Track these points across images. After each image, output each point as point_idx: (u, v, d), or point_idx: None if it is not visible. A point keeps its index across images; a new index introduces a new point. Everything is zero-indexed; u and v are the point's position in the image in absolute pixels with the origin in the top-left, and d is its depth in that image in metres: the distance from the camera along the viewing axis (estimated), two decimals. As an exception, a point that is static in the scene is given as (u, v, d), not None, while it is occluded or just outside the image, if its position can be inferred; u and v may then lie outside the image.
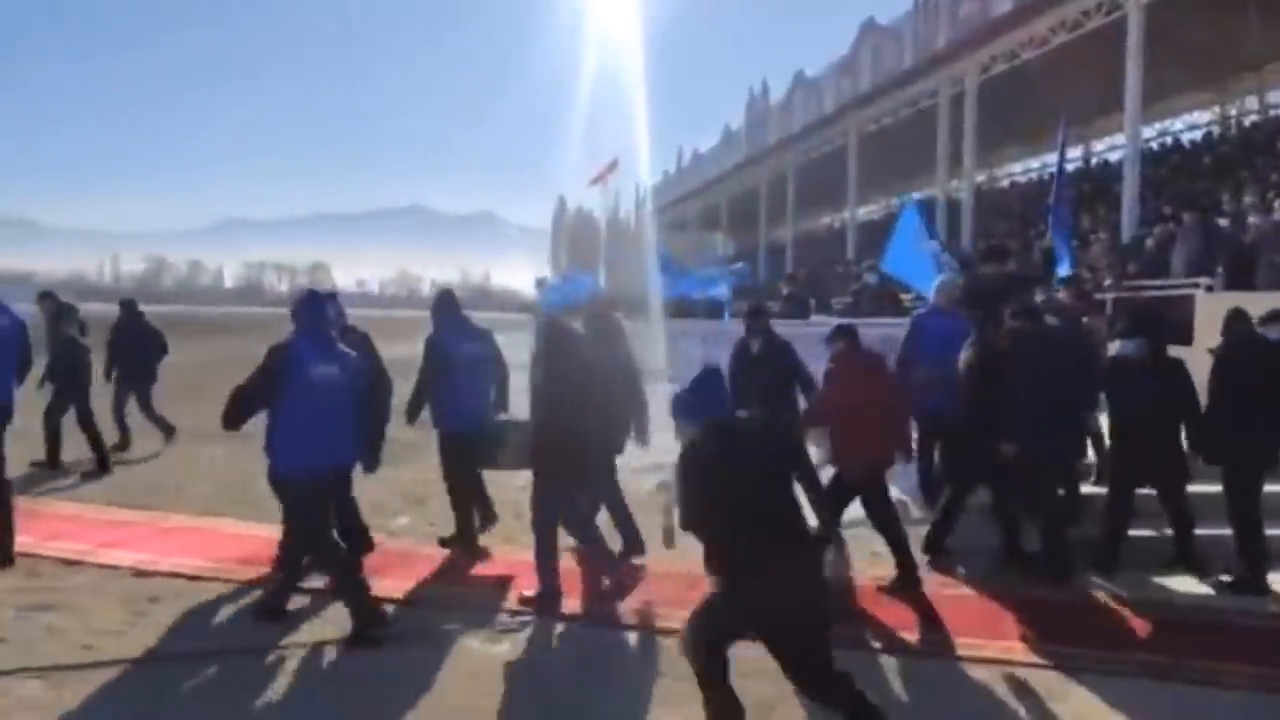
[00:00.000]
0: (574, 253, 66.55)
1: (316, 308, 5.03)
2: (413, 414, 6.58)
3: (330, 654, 4.55)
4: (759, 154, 31.68)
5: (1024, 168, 29.53)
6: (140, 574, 5.68)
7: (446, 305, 6.61)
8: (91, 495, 7.88)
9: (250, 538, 6.52)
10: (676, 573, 5.56)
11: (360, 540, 5.99)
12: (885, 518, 5.74)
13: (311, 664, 4.43)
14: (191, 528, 6.87)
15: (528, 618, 5.11)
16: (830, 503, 4.75)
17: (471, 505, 6.44)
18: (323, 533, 4.91)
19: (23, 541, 6.06)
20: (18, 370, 6.46)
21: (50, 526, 6.70)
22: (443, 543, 6.47)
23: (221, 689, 4.14)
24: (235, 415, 4.80)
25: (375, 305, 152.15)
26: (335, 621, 4.88)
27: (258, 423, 4.84)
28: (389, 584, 5.54)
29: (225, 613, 5.12)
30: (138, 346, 10.41)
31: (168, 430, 10.49)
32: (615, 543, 6.11)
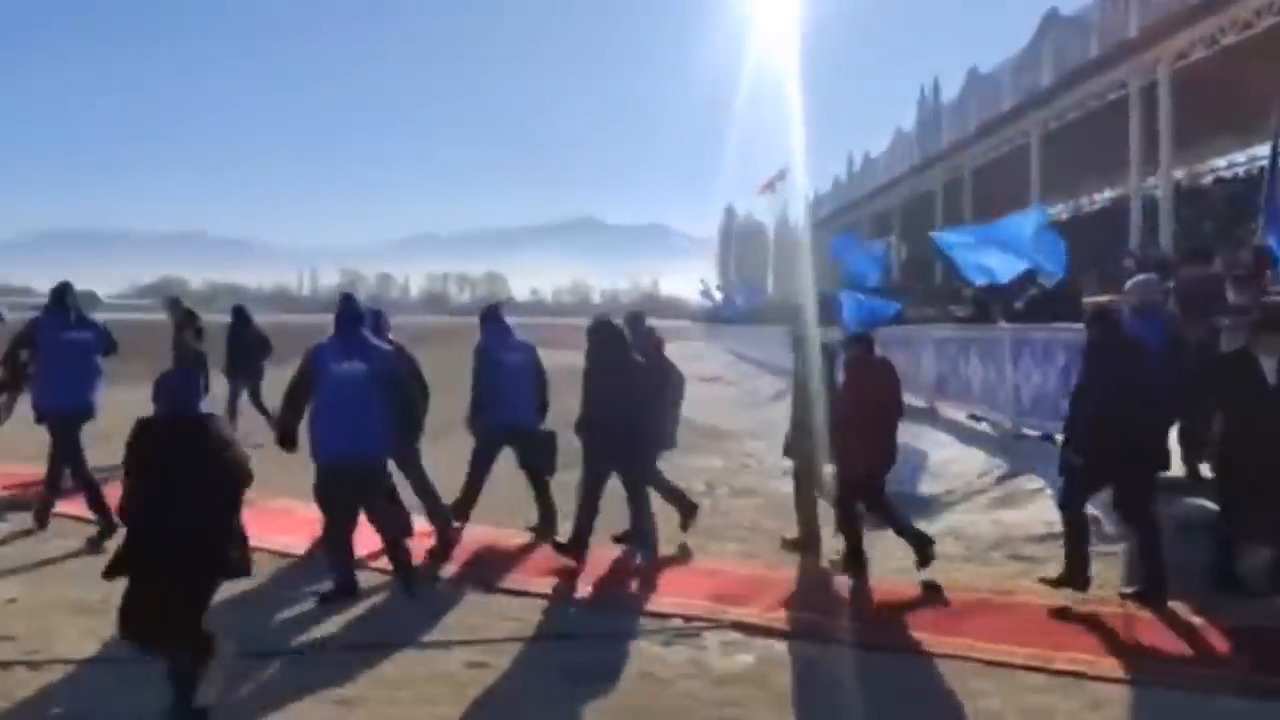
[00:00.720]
0: (742, 262, 66.43)
1: (348, 315, 5.64)
2: (473, 418, 7.07)
3: (514, 650, 4.80)
4: (932, 157, 30.64)
5: (1229, 162, 27.21)
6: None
7: (495, 316, 7.31)
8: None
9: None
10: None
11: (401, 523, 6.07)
12: (888, 517, 6.11)
13: (481, 661, 4.68)
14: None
15: (701, 623, 5.21)
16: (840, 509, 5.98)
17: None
18: (342, 519, 5.49)
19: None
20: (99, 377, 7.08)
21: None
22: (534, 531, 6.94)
23: (408, 682, 4.44)
24: (286, 415, 5.48)
25: (547, 314, 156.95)
26: (504, 615, 5.15)
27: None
28: (542, 581, 5.86)
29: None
30: (247, 348, 11.55)
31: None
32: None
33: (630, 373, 6.36)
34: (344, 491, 5.48)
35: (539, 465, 6.99)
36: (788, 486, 7.13)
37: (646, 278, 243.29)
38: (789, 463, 7.05)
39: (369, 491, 5.65)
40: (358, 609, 5.38)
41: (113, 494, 7.51)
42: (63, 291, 7.11)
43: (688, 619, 5.28)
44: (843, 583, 6.00)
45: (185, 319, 10.46)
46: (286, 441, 5.55)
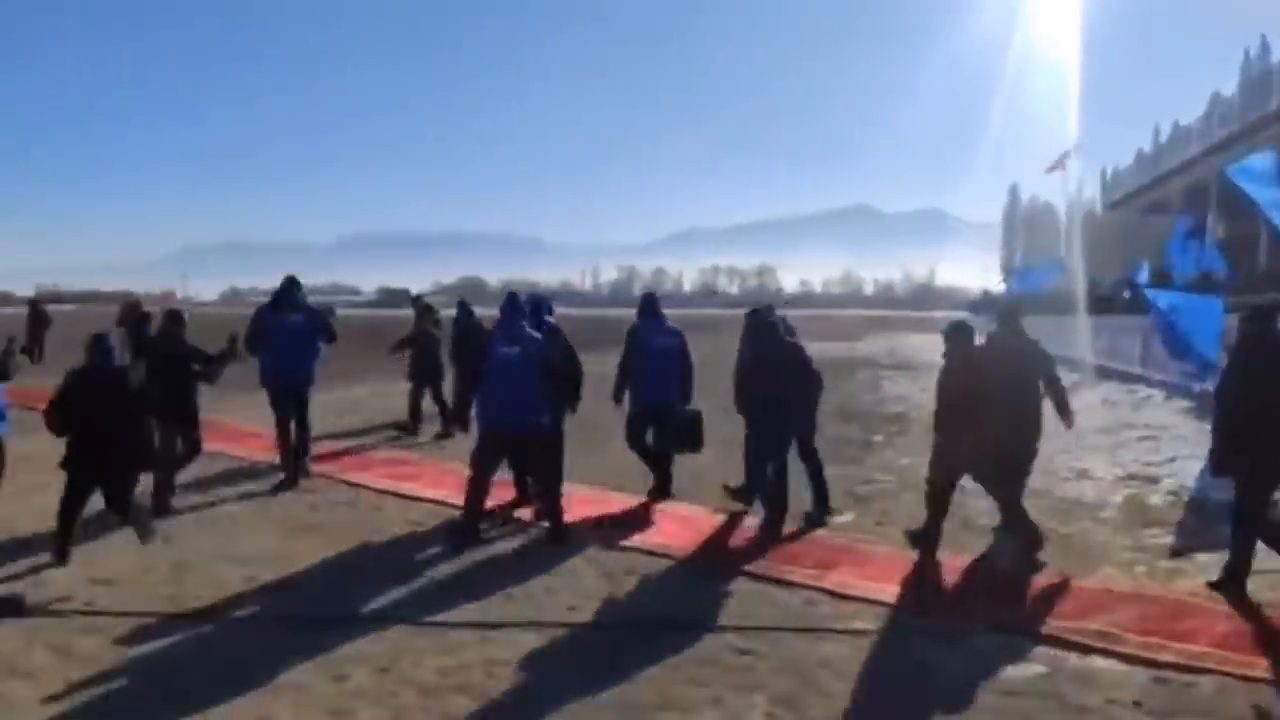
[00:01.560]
0: (1030, 245, 61.96)
1: (510, 306, 6.74)
2: (618, 394, 7.94)
3: (779, 639, 4.79)
4: (1259, 121, 26.96)
5: None
6: (619, 549, 6.43)
7: (649, 305, 8.18)
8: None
9: (703, 522, 7.09)
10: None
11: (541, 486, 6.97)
12: (999, 498, 6.36)
13: (758, 645, 4.70)
14: (666, 511, 7.55)
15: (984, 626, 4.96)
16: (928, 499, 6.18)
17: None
18: (483, 475, 6.53)
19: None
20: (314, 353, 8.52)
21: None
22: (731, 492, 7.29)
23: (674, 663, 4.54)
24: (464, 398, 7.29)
25: (818, 305, 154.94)
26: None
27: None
28: (837, 577, 5.75)
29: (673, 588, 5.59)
30: (470, 339, 12.01)
31: None
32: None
33: (779, 356, 7.09)
34: (494, 454, 6.64)
35: (674, 442, 7.79)
36: (1078, 490, 6.61)
37: (921, 267, 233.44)
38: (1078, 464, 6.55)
39: (522, 455, 6.86)
40: (623, 587, 5.59)
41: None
42: (289, 284, 8.63)
43: (966, 621, 5.03)
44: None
45: (425, 311, 12.05)
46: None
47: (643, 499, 7.77)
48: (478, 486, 6.57)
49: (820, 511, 7.15)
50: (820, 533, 6.85)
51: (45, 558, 5.87)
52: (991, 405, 5.93)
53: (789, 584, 5.65)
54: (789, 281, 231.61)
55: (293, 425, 8.42)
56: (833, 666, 4.44)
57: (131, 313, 8.75)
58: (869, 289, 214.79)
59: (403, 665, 4.37)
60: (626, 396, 7.95)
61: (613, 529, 6.87)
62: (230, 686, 4.10)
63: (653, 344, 7.93)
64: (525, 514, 7.23)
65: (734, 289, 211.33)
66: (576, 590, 5.52)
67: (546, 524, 6.68)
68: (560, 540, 6.46)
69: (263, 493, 8.07)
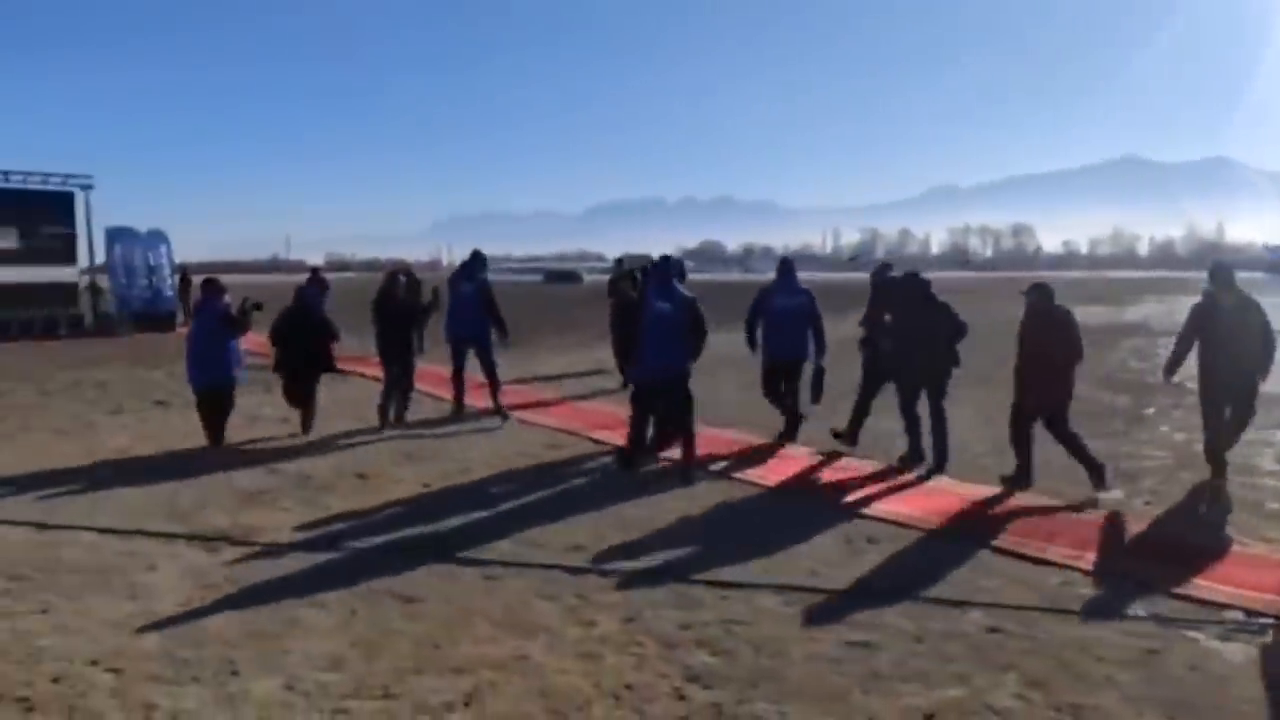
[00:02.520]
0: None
1: (660, 267, 7.82)
2: (750, 344, 9.05)
3: (1031, 619, 4.53)
4: None
5: None
6: (859, 516, 6.32)
7: (782, 268, 9.09)
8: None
9: (949, 494, 6.82)
10: None
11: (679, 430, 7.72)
12: (1063, 437, 7.01)
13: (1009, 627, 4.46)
14: (905, 480, 7.38)
15: (1266, 620, 4.47)
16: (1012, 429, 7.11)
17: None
18: (643, 415, 7.68)
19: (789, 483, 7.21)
20: (498, 326, 10.29)
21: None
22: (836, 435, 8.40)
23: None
24: (621, 349, 8.74)
25: (1080, 267, 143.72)
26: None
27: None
28: (1095, 557, 5.40)
29: (926, 561, 5.41)
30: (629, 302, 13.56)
31: None
32: None
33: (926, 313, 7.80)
34: (648, 395, 7.64)
35: (811, 394, 8.80)
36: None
37: (1208, 222, 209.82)
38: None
39: (669, 396, 7.57)
40: (865, 555, 5.48)
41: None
42: (471, 258, 10.56)
43: (1247, 611, 4.55)
44: None
45: (623, 275, 12.53)
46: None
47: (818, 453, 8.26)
48: (638, 424, 7.72)
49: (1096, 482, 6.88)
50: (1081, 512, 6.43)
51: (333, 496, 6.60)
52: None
53: (1044, 562, 5.33)
54: (1050, 241, 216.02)
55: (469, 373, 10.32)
56: (1090, 650, 4.14)
57: (392, 280, 10.54)
58: (1143, 248, 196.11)
59: (645, 617, 4.53)
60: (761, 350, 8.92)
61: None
62: (486, 626, 4.41)
63: (778, 304, 8.84)
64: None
65: (987, 251, 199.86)
66: (817, 555, 5.47)
67: (680, 456, 7.52)
68: (691, 470, 7.37)
69: (467, 430, 9.58)
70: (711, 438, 8.41)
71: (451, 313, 10.30)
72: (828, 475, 7.55)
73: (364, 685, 3.80)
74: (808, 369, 8.83)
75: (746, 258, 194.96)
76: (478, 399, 10.53)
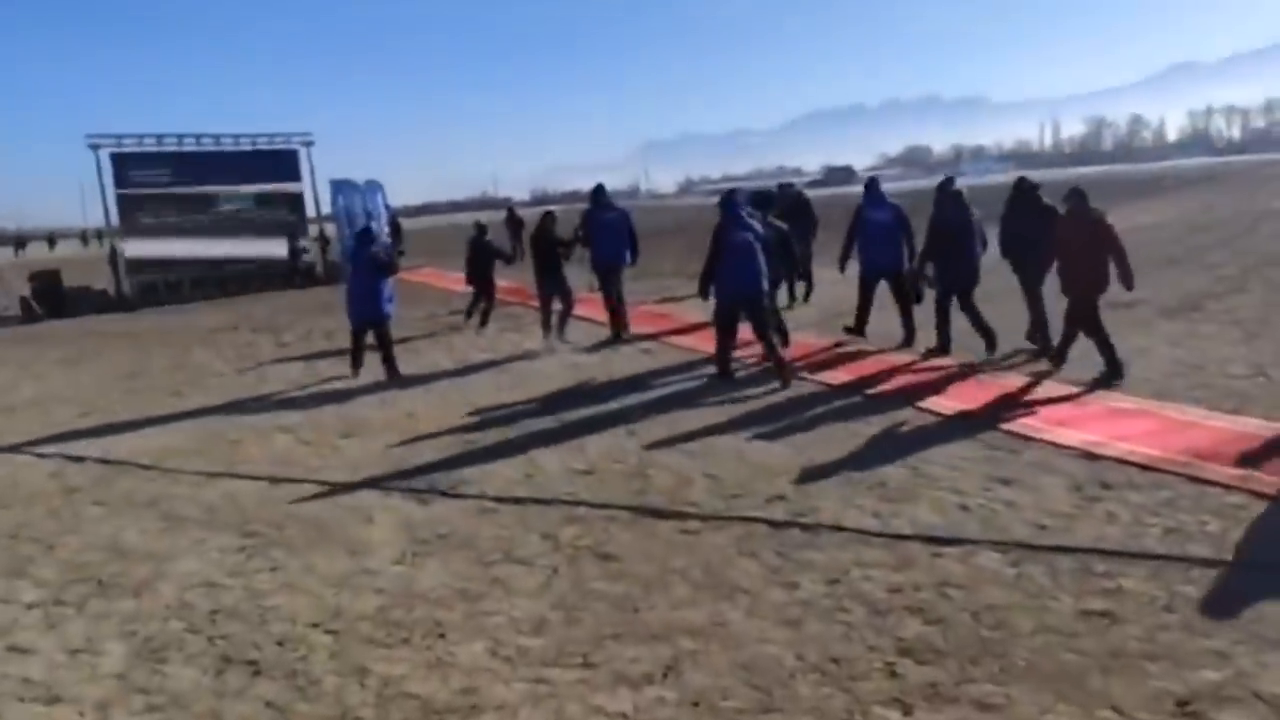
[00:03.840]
0: None
1: (732, 203, 8.64)
2: (842, 260, 10.31)
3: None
4: None
5: None
6: (1090, 456, 5.70)
7: (869, 187, 10.12)
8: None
9: (1200, 427, 6.04)
10: None
11: (783, 337, 9.27)
12: (1089, 328, 7.65)
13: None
14: (1141, 410, 6.62)
15: None
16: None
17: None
18: (727, 331, 8.60)
19: (978, 412, 6.70)
20: (631, 249, 11.27)
21: (1003, 399, 7.21)
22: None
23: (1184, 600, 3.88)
24: (706, 273, 8.58)
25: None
26: None
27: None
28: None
29: (1180, 513, 4.79)
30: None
31: None
32: None
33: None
34: (730, 315, 8.58)
35: (907, 297, 9.46)
36: None
37: None
38: None
39: (753, 313, 8.47)
40: (1100, 505, 4.90)
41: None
42: (598, 190, 11.73)
43: None
44: None
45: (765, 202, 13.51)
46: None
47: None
48: (724, 337, 8.65)
49: None
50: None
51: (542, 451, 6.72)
52: None
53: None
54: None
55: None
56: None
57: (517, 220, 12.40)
58: None
59: (852, 578, 4.26)
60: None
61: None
62: (685, 587, 4.29)
63: (874, 219, 9.61)
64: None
65: (1234, 131, 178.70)
66: (1043, 505, 4.98)
67: (771, 364, 8.47)
68: (786, 378, 8.22)
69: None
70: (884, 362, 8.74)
71: (597, 241, 11.33)
72: (1016, 400, 6.94)
73: (564, 652, 3.77)
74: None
75: (956, 161, 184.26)
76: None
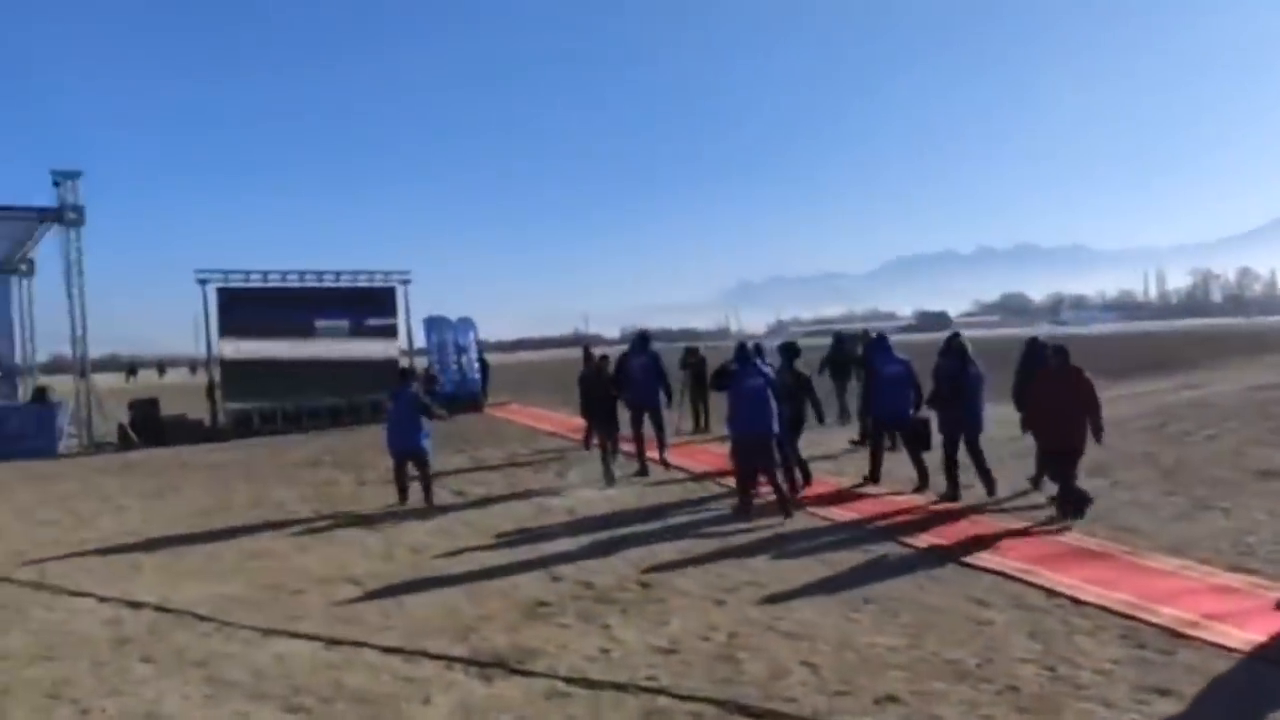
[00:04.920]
0: None
1: (747, 352, 9.50)
2: (864, 413, 12.48)
3: None
4: None
5: None
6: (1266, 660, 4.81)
7: (877, 343, 11.17)
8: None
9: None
10: None
11: (803, 473, 10.32)
12: (1061, 477, 8.34)
13: None
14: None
15: None
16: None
17: None
18: (747, 471, 9.32)
19: (1125, 600, 5.86)
20: (664, 392, 12.69)
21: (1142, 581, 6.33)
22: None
23: None
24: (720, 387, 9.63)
25: None
26: None
27: None
28: None
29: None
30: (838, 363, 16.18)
31: None
32: None
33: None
34: (746, 452, 9.32)
35: (916, 444, 10.07)
36: None
37: None
38: None
39: (761, 454, 9.25)
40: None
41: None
42: (643, 335, 13.19)
43: None
44: None
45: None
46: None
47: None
48: (744, 474, 9.38)
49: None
50: None
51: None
52: None
53: None
54: None
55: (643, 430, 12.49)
56: None
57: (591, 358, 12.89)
58: None
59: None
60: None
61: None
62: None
63: (885, 372, 10.39)
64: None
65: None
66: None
67: (774, 497, 9.19)
68: (789, 511, 8.99)
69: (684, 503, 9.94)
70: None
71: (632, 384, 12.32)
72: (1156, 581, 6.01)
73: None
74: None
75: (1057, 307, 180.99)
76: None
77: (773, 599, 6.38)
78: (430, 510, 10.37)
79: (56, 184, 20.50)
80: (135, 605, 7.00)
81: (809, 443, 12.41)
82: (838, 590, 6.55)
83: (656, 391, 12.41)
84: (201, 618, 6.58)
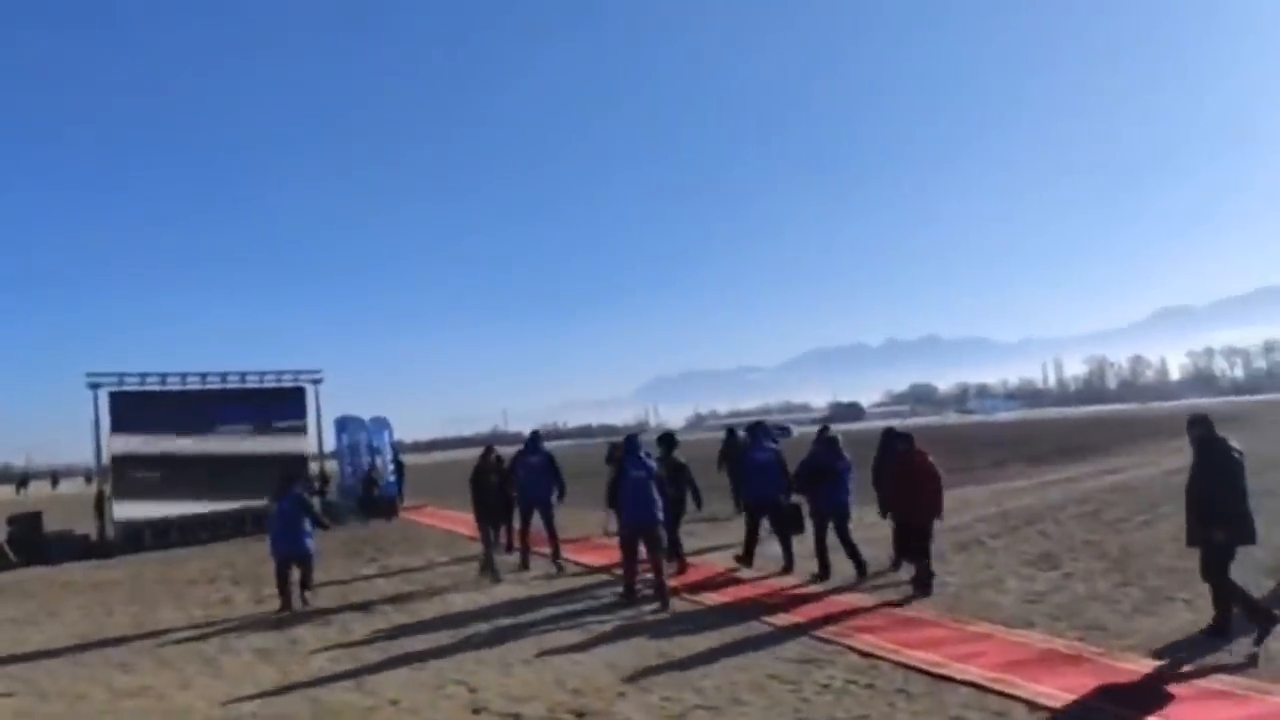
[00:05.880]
0: None
1: (633, 444, 10.16)
2: (736, 499, 14.12)
3: None
4: None
5: None
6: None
7: (751, 431, 12.24)
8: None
9: None
10: None
11: (679, 561, 11.11)
12: (915, 553, 9.27)
13: None
14: None
15: None
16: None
17: None
18: (630, 553, 9.84)
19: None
20: (558, 489, 12.83)
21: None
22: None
23: None
24: (610, 495, 10.09)
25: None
26: None
27: None
28: None
29: None
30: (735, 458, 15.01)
31: None
32: None
33: None
34: (633, 539, 9.77)
35: (786, 528, 10.82)
36: None
37: None
38: None
39: (647, 539, 9.69)
40: None
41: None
42: (534, 435, 13.54)
43: None
44: None
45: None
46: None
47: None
48: (629, 561, 9.87)
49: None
50: None
51: None
52: None
53: None
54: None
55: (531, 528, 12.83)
56: None
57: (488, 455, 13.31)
58: None
59: None
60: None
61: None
62: None
63: (754, 458, 11.07)
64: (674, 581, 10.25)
65: (1236, 372, 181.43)
66: None
67: (653, 588, 9.66)
68: (665, 601, 9.37)
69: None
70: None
71: (521, 482, 12.78)
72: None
73: None
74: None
75: (963, 398, 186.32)
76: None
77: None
78: (307, 613, 10.14)
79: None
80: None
81: (697, 534, 13.59)
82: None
83: (548, 490, 12.70)
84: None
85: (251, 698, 7.09)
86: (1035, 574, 9.67)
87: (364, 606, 10.63)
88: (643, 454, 10.06)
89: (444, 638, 8.71)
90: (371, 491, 23.39)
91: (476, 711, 6.34)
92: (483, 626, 9.10)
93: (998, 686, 5.99)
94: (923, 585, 9.01)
